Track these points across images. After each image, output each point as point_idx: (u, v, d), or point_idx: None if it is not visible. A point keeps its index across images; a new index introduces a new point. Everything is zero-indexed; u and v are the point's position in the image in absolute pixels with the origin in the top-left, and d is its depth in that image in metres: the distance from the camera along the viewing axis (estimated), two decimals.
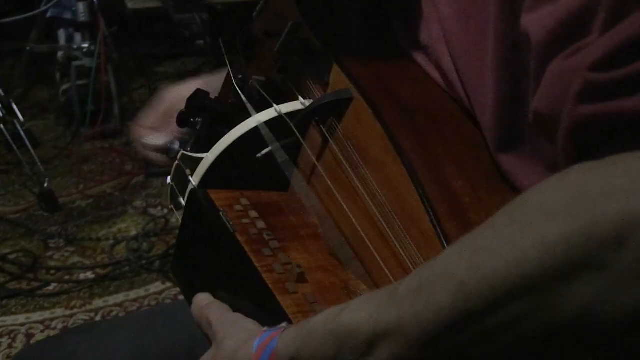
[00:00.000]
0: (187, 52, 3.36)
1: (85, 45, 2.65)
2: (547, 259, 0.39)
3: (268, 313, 0.58)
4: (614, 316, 0.38)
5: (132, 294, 1.88)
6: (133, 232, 2.15)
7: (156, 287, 1.90)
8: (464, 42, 0.60)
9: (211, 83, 0.92)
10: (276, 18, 0.75)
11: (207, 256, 0.70)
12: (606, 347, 0.40)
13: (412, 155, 0.58)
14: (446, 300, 0.42)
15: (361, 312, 0.46)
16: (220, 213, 0.64)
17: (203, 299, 0.65)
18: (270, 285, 0.59)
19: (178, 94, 0.93)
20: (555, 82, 0.48)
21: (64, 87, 2.71)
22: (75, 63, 2.63)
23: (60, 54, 2.70)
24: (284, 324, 0.54)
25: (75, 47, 2.67)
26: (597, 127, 0.46)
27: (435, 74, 0.67)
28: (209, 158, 0.69)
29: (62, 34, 2.72)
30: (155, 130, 0.92)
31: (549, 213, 0.40)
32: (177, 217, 0.76)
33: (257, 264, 0.61)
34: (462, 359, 0.43)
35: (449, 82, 0.65)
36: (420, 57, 0.69)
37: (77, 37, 2.71)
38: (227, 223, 0.63)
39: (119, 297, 1.87)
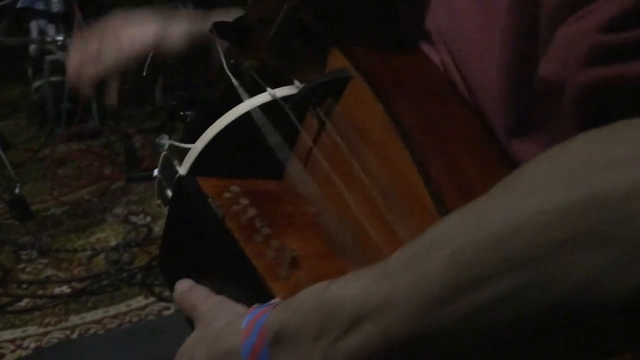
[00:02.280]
0: None
1: (60, 38, 2.64)
2: (545, 230, 0.39)
3: (259, 301, 0.59)
4: (615, 293, 0.38)
5: (112, 310, 1.88)
6: (113, 242, 2.15)
7: (138, 302, 1.90)
8: (474, 23, 0.61)
9: (165, 33, 0.93)
10: (271, 3, 0.76)
11: (195, 248, 0.71)
12: (603, 327, 0.40)
13: (413, 129, 0.59)
14: (437, 270, 0.42)
15: (350, 285, 0.47)
16: (209, 199, 0.66)
17: (185, 284, 0.67)
18: (260, 271, 0.61)
19: (123, 24, 0.94)
20: (563, 47, 0.49)
21: (37, 83, 2.71)
22: (49, 57, 2.64)
23: (32, 47, 2.69)
24: (276, 300, 0.56)
25: (48, 40, 2.67)
26: (604, 91, 0.47)
27: (439, 61, 0.68)
28: (198, 145, 0.70)
29: (34, 26, 2.71)
30: (92, 60, 0.92)
31: (548, 183, 0.41)
32: (160, 226, 0.76)
33: (246, 250, 0.62)
34: (453, 337, 0.43)
35: (452, 70, 0.66)
36: (424, 44, 0.70)
37: (51, 29, 2.70)
38: (215, 209, 0.65)
39: (98, 314, 1.87)
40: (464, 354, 0.43)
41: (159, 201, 0.78)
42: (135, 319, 1.84)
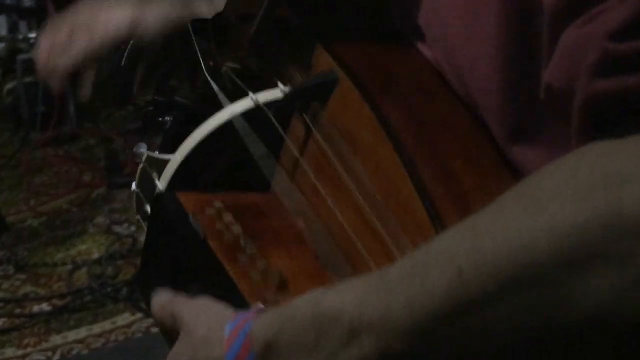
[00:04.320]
0: None
1: (33, 36, 2.64)
2: (559, 248, 0.40)
3: None
4: (632, 315, 0.39)
5: (96, 328, 1.88)
6: (95, 255, 2.15)
7: (124, 319, 1.89)
8: (463, 18, 0.61)
9: (141, 17, 0.91)
10: None
11: (177, 267, 0.72)
12: (617, 348, 0.41)
13: (403, 133, 0.60)
14: (441, 286, 0.43)
15: (346, 296, 0.48)
16: (190, 217, 0.66)
17: (164, 296, 0.67)
18: (246, 296, 0.62)
19: (95, 8, 0.93)
20: (569, 53, 0.49)
21: (9, 86, 2.70)
22: (21, 57, 2.63)
23: (1, 46, 2.69)
24: (259, 305, 0.57)
25: (20, 37, 2.66)
26: (616, 103, 0.47)
27: (430, 57, 0.69)
28: (177, 157, 0.71)
29: (3, 23, 2.71)
30: (62, 50, 0.92)
31: (564, 196, 0.41)
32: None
33: (231, 272, 0.63)
34: (456, 354, 0.44)
35: (443, 68, 0.66)
36: (417, 39, 0.70)
37: (23, 25, 2.70)
38: (197, 228, 0.66)
39: (81, 332, 1.87)
40: None
41: (138, 217, 0.79)
42: (121, 338, 1.82)
